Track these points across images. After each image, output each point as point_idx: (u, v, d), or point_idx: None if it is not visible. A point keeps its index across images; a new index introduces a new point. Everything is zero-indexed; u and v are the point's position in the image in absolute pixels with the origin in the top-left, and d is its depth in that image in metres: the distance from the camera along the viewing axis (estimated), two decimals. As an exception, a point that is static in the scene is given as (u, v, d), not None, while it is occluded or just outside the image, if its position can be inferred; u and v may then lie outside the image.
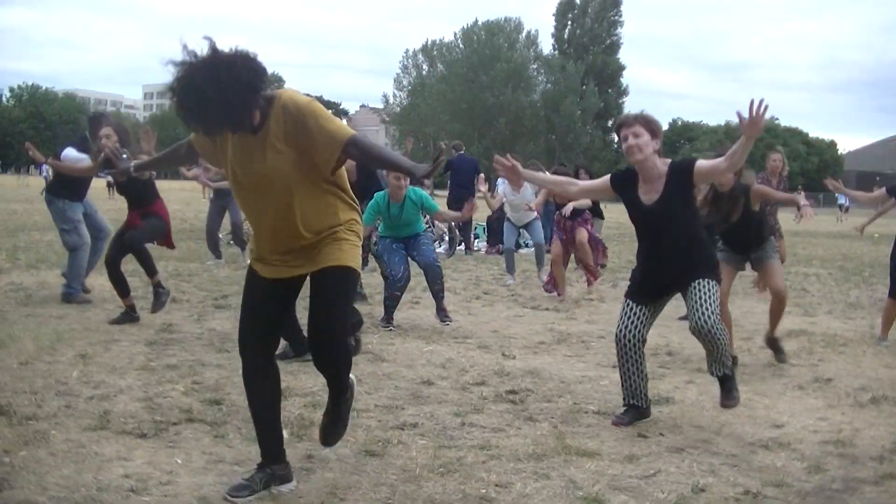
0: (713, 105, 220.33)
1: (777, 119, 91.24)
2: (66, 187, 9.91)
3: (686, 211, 5.73)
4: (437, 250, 17.32)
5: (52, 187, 10.17)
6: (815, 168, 79.43)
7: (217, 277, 12.43)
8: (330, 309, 4.22)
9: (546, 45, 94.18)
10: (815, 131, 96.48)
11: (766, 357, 8.23)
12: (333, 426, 4.53)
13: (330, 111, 4.30)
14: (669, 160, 5.77)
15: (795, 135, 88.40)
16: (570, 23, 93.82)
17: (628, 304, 5.95)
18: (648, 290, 5.92)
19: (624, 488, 4.63)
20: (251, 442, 4.94)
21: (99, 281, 10.59)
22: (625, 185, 5.88)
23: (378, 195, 9.20)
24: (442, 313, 9.44)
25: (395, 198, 9.07)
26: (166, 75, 3.84)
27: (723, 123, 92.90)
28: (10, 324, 8.18)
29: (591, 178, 12.45)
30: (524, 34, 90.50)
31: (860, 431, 5.91)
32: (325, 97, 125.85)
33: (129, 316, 8.59)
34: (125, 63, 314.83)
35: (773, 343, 8.02)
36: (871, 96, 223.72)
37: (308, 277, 4.33)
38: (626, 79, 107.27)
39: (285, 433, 5.09)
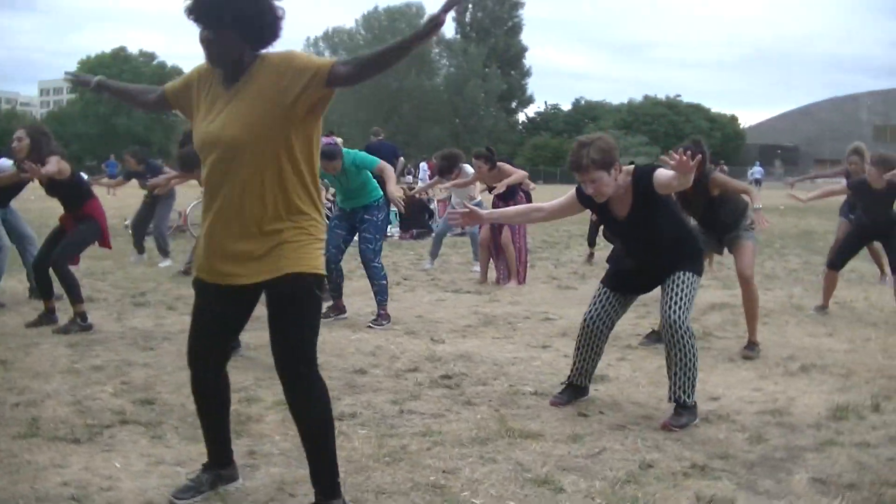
0: (615, 85, 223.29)
1: (679, 96, 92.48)
2: None
3: (660, 216, 5.51)
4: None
5: None
6: (718, 142, 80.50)
7: (132, 275, 12.14)
8: (290, 332, 3.78)
9: (449, 28, 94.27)
10: (716, 107, 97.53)
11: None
12: None
13: None
14: (632, 167, 5.52)
15: (698, 111, 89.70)
16: (471, 6, 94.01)
17: (604, 290, 5.84)
18: (628, 283, 5.85)
19: (572, 468, 4.61)
20: (190, 441, 4.84)
21: (10, 283, 10.31)
22: (592, 199, 5.55)
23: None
24: (377, 317, 8.68)
25: (329, 170, 8.52)
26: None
27: (626, 101, 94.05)
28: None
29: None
30: (426, 18, 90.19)
31: (794, 400, 5.99)
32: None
33: (47, 318, 8.30)
34: (20, 60, 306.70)
35: (752, 346, 7.56)
36: (769, 71, 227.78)
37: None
38: (529, 60, 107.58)
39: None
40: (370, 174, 8.77)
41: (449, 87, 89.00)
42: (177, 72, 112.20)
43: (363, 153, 8.88)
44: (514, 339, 8.01)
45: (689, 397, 5.45)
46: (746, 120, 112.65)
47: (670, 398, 5.53)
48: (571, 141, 6.56)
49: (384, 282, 8.81)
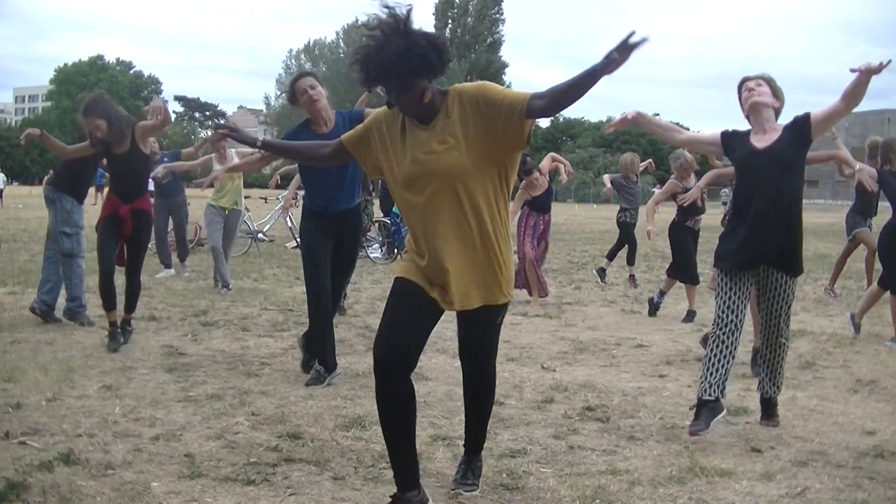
0: (590, 102, 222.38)
1: (658, 115, 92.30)
2: (72, 183, 9.15)
3: (796, 165, 5.52)
4: (375, 255, 16.85)
5: (56, 181, 9.24)
6: (697, 160, 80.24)
7: (177, 290, 11.75)
8: (483, 349, 4.41)
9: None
10: (693, 125, 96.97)
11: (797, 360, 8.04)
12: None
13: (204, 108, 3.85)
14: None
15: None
16: (451, 21, 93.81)
17: (723, 280, 5.66)
18: (746, 256, 5.60)
19: (793, 512, 4.34)
20: (379, 483, 4.53)
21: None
22: (734, 142, 5.71)
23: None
24: None
25: None
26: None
27: (604, 119, 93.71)
28: (1, 353, 7.48)
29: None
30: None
31: (958, 435, 5.73)
32: (203, 98, 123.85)
33: (124, 332, 7.97)
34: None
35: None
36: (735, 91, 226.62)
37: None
38: (508, 76, 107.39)
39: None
40: None
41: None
42: (153, 81, 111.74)
43: None
44: (622, 367, 7.71)
45: (778, 391, 5.98)
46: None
47: (764, 392, 5.96)
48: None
49: None
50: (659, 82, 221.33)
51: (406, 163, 3.93)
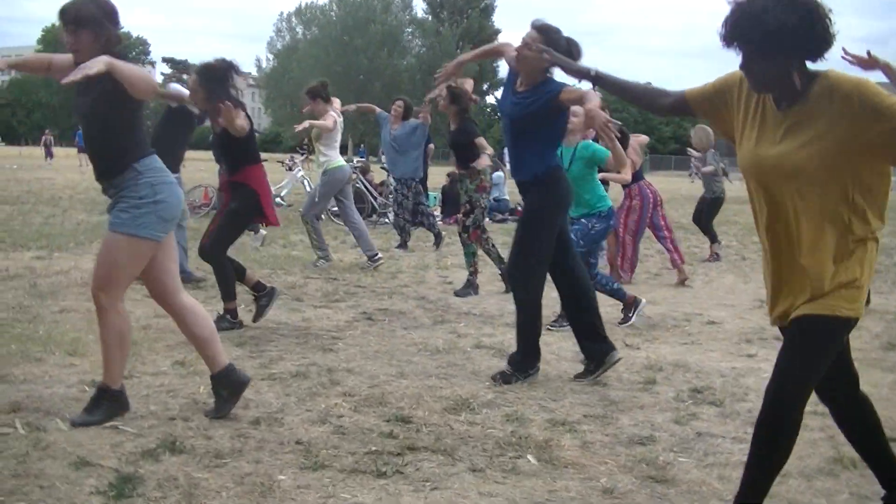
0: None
1: (650, 84, 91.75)
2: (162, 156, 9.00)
3: None
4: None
5: None
6: (687, 131, 79.50)
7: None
8: (790, 367, 3.40)
9: (422, 8, 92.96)
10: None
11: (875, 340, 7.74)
12: None
13: None
14: None
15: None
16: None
17: None
18: None
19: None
20: (522, 475, 4.21)
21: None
22: None
23: None
24: (559, 318, 7.95)
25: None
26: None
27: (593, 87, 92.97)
28: (53, 324, 7.10)
29: None
30: None
31: None
32: (190, 61, 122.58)
33: (228, 321, 7.38)
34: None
35: None
36: (728, 63, 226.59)
37: None
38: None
39: (530, 458, 4.38)
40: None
41: (421, 68, 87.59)
42: (141, 42, 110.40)
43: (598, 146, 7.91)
44: (704, 345, 7.38)
45: None
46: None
47: None
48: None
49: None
50: (647, 52, 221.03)
51: (749, 148, 3.40)
